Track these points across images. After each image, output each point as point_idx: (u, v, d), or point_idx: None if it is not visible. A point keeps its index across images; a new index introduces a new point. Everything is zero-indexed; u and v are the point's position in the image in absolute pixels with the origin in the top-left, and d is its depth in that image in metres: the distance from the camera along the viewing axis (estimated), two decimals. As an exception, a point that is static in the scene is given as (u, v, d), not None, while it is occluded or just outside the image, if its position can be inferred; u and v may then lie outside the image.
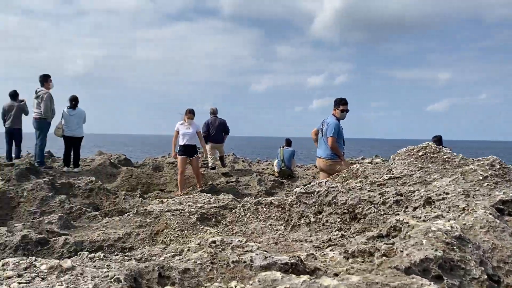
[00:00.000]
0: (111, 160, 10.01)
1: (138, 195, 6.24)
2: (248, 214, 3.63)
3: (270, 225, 3.37)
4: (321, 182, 3.55)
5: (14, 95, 10.30)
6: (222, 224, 3.77)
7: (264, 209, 3.61)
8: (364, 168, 4.63)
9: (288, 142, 11.34)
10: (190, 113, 8.04)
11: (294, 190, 3.58)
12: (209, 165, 11.09)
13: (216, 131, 10.84)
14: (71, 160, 9.01)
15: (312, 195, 3.44)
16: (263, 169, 14.62)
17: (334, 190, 3.40)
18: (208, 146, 11.10)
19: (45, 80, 8.66)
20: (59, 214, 5.27)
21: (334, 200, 3.31)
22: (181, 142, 7.90)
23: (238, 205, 3.83)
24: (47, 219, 5.18)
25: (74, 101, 8.91)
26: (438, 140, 9.53)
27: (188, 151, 7.93)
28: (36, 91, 8.62)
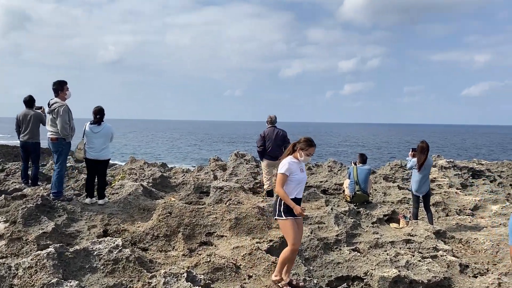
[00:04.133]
0: (145, 186, 8.03)
1: (185, 274, 4.14)
2: None
3: None
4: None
5: (29, 101, 8.45)
6: None
7: None
8: None
9: (363, 159, 8.94)
10: (312, 146, 4.56)
11: None
12: (264, 187, 8.93)
13: (273, 146, 8.61)
14: (95, 189, 7.10)
15: None
16: (321, 182, 12.38)
17: None
18: (263, 164, 8.94)
19: (60, 88, 6.58)
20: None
21: None
22: (294, 193, 4.54)
23: None
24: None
25: (98, 114, 6.89)
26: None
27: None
28: (49, 104, 6.59)
